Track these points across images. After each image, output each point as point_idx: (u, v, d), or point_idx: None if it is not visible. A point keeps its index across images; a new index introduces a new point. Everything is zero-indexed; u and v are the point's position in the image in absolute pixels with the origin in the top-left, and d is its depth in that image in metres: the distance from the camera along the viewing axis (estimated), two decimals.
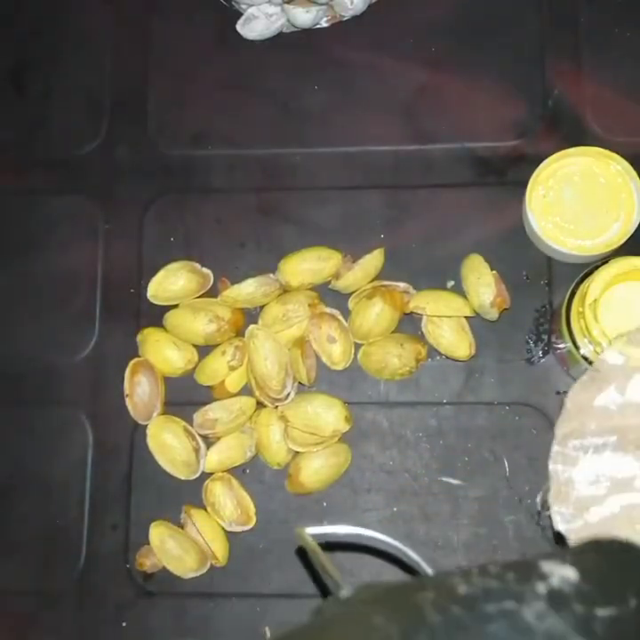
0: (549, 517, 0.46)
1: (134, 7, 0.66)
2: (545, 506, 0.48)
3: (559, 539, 0.42)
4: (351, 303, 0.59)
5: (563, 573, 0.26)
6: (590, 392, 0.45)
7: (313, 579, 0.54)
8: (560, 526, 0.42)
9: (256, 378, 0.57)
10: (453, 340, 0.57)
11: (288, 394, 0.57)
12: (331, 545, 0.32)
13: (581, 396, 0.45)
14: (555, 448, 0.44)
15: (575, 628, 0.24)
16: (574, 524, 0.42)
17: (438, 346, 0.58)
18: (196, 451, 0.57)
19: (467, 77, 0.62)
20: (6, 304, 0.62)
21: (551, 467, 0.44)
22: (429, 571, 0.32)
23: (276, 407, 0.57)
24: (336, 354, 0.58)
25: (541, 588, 0.25)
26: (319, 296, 0.59)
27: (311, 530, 0.32)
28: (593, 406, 0.45)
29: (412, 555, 0.32)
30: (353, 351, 0.59)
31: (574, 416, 0.45)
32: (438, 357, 0.59)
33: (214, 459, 0.57)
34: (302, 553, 0.55)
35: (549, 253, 0.58)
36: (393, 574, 0.48)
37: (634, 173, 0.56)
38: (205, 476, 0.58)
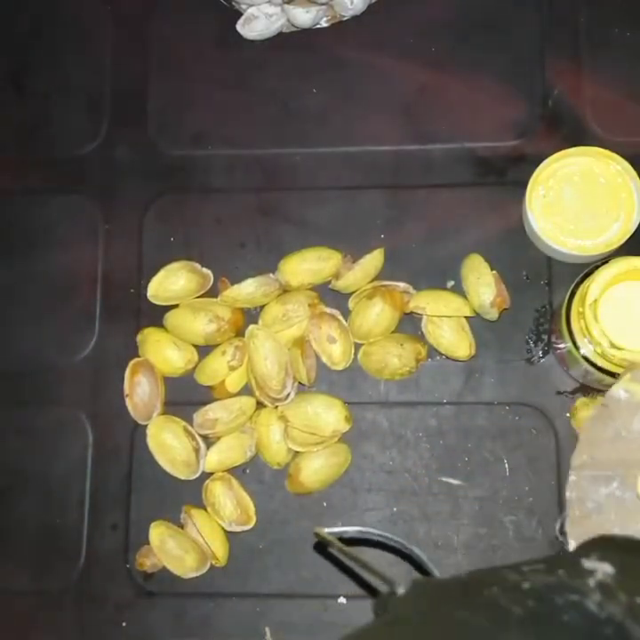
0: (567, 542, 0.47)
1: (134, 7, 0.66)
2: (562, 531, 0.49)
3: None
4: (351, 303, 0.59)
5: (603, 568, 0.29)
6: (599, 427, 0.46)
7: (348, 575, 0.55)
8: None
9: (256, 378, 0.57)
10: (453, 340, 0.57)
11: (288, 394, 0.57)
12: (343, 541, 0.35)
13: (592, 429, 0.46)
14: (571, 477, 0.46)
15: (626, 614, 0.27)
16: None
17: (438, 346, 0.58)
18: (196, 451, 0.57)
19: (467, 77, 0.62)
20: (6, 304, 0.62)
21: (568, 495, 0.46)
22: (434, 568, 0.34)
23: (276, 407, 0.57)
24: (336, 354, 0.58)
25: (591, 582, 0.28)
26: (319, 296, 0.59)
27: (328, 530, 0.35)
28: (602, 440, 0.46)
29: (417, 551, 0.35)
30: (353, 351, 0.59)
31: (586, 448, 0.46)
32: (438, 357, 0.59)
33: (214, 459, 0.57)
34: (320, 549, 0.55)
35: (549, 253, 0.58)
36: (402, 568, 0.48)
37: (634, 173, 0.56)
38: (205, 475, 0.58)
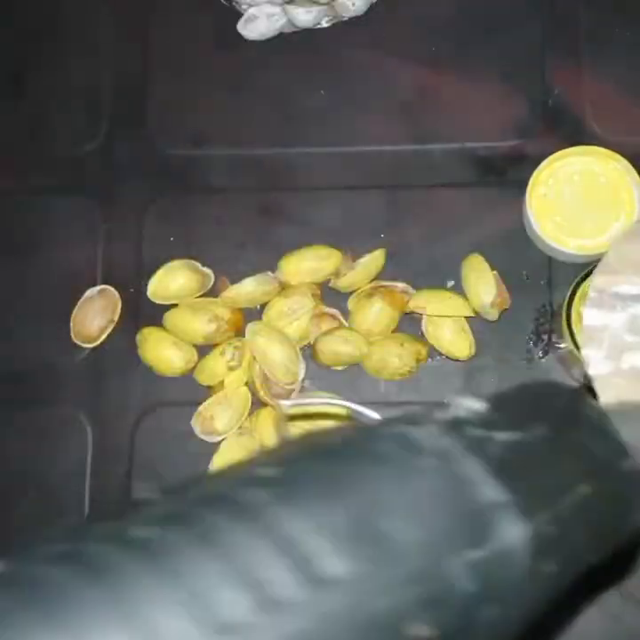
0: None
1: (134, 7, 0.66)
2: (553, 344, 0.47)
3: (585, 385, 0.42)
4: (351, 303, 0.59)
5: (469, 405, 0.26)
6: (635, 244, 0.44)
7: None
8: (590, 370, 0.41)
9: (264, 373, 0.57)
10: (453, 339, 0.57)
11: (302, 379, 0.57)
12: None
13: (625, 246, 0.44)
14: (592, 295, 0.44)
15: (467, 446, 0.24)
16: (605, 368, 0.41)
17: (438, 346, 0.58)
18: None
19: (467, 77, 0.62)
20: (6, 304, 0.62)
21: (586, 311, 0.44)
22: None
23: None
24: None
25: (440, 415, 0.25)
26: (319, 286, 0.59)
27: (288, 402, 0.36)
28: (637, 257, 0.44)
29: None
30: None
31: (615, 265, 0.44)
32: (438, 357, 0.59)
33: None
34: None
35: (550, 253, 0.58)
36: None
37: (634, 172, 0.56)
38: None
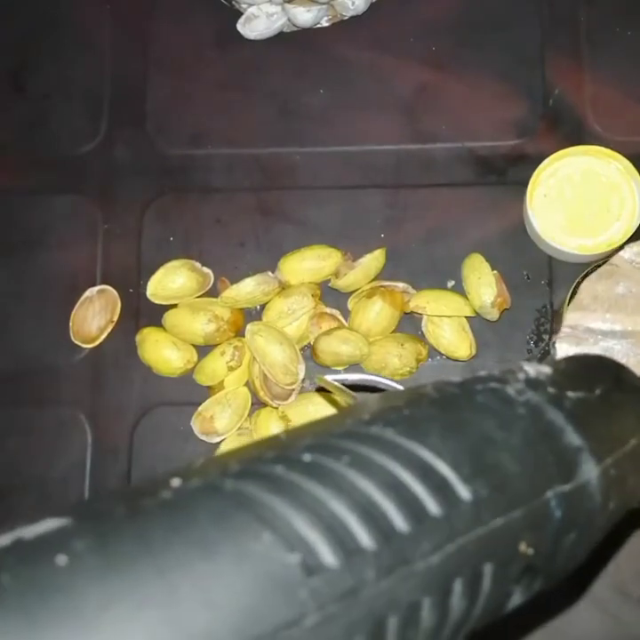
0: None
1: (134, 7, 0.66)
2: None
3: None
4: (351, 303, 0.59)
5: (539, 369, 0.30)
6: (606, 283, 0.46)
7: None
8: None
9: (263, 373, 0.57)
10: (454, 339, 0.57)
11: (302, 379, 0.57)
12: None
13: (597, 285, 0.46)
14: (565, 330, 0.46)
15: (548, 401, 0.28)
16: None
17: (438, 346, 0.58)
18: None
19: (467, 77, 0.62)
20: (6, 304, 0.62)
21: (558, 345, 0.46)
22: None
23: (277, 407, 0.57)
24: None
25: (521, 375, 0.30)
26: (319, 286, 0.59)
27: (329, 377, 0.39)
28: (608, 296, 0.46)
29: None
30: None
31: (587, 303, 0.46)
32: (438, 357, 0.58)
33: None
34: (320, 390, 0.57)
35: (550, 253, 0.58)
36: None
37: (634, 172, 0.56)
38: None
